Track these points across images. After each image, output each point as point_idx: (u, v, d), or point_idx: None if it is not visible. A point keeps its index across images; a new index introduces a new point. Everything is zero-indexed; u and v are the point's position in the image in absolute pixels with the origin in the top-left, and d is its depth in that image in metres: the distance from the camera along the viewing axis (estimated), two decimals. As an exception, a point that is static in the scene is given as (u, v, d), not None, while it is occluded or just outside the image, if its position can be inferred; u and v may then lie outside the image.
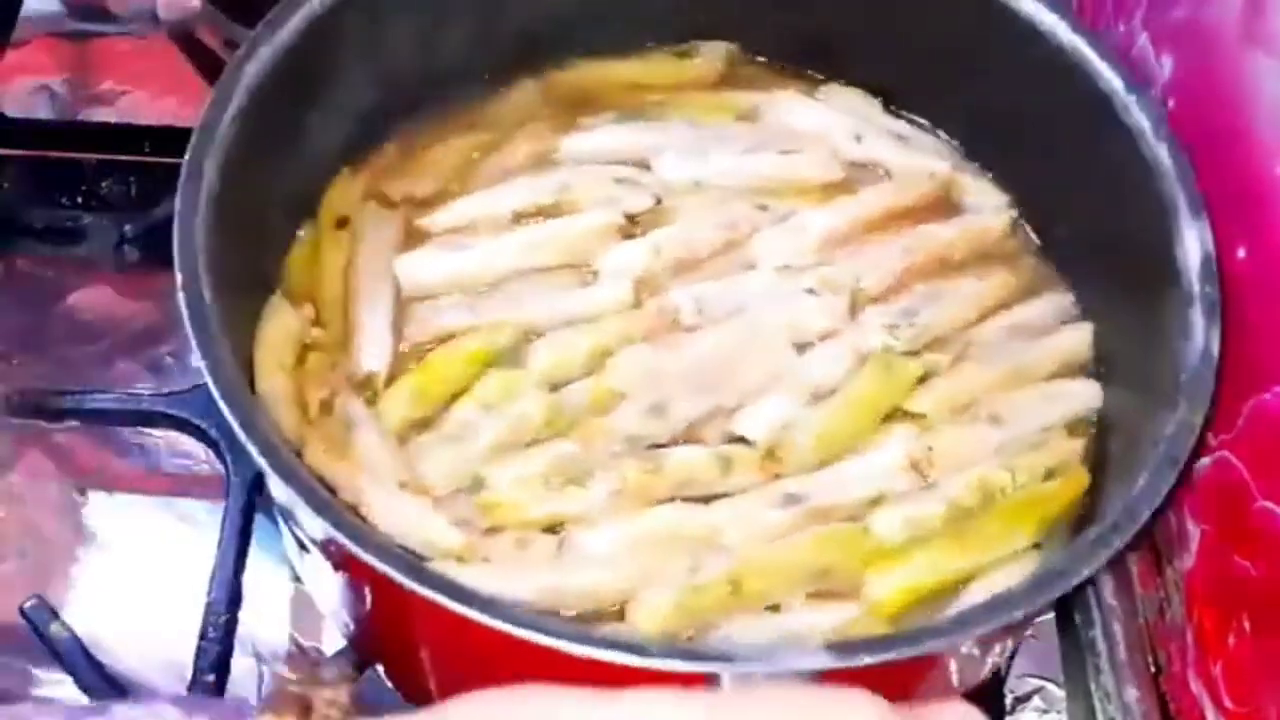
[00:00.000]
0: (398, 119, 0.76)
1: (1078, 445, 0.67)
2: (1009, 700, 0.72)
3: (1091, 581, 0.71)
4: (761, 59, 0.80)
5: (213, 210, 0.60)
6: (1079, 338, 0.71)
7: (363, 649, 0.67)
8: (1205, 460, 0.65)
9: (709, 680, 0.51)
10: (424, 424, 0.66)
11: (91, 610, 0.73)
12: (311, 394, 0.65)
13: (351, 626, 0.67)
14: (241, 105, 0.63)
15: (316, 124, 0.71)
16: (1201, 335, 0.60)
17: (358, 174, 0.73)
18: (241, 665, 0.71)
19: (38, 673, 0.72)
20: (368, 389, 0.67)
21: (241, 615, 0.70)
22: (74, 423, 0.79)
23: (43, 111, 0.94)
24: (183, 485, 0.78)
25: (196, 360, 0.56)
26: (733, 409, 0.66)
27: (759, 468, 0.64)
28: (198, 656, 0.68)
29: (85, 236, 0.87)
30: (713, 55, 0.79)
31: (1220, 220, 0.64)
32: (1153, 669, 0.71)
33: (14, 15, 0.94)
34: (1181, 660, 0.69)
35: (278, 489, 0.55)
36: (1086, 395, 0.69)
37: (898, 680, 0.57)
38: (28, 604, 0.71)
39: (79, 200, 0.89)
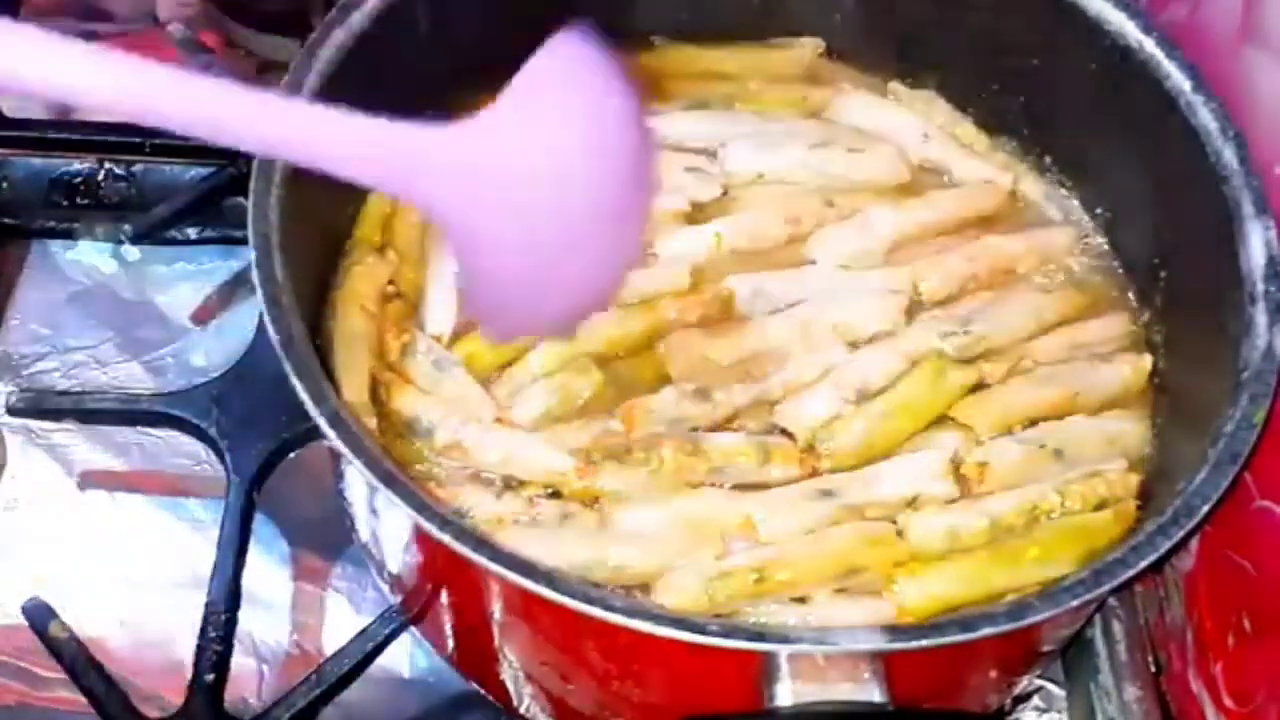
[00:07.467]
0: (476, 98, 0.76)
1: (1133, 480, 0.65)
2: (1009, 700, 0.72)
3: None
4: (839, 58, 0.80)
5: (286, 187, 0.61)
6: (1137, 369, 0.69)
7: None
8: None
9: (762, 660, 0.51)
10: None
11: (91, 610, 0.73)
12: (392, 338, 0.66)
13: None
14: (315, 87, 0.64)
15: (391, 103, 0.71)
16: (1264, 334, 0.59)
17: None
18: (241, 665, 0.71)
19: (38, 673, 0.72)
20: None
21: (241, 615, 0.71)
22: (74, 423, 0.79)
23: (43, 111, 0.93)
24: (183, 485, 0.78)
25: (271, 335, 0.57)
26: (777, 400, 0.66)
27: (798, 460, 0.64)
28: (198, 656, 0.69)
29: (85, 236, 0.87)
30: (801, 49, 0.80)
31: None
32: (1153, 668, 0.71)
33: (14, 15, 0.94)
34: (1181, 660, 0.69)
35: (331, 439, 0.55)
36: (1144, 436, 0.67)
37: (950, 661, 0.57)
38: (28, 604, 0.71)
39: (79, 200, 0.89)
